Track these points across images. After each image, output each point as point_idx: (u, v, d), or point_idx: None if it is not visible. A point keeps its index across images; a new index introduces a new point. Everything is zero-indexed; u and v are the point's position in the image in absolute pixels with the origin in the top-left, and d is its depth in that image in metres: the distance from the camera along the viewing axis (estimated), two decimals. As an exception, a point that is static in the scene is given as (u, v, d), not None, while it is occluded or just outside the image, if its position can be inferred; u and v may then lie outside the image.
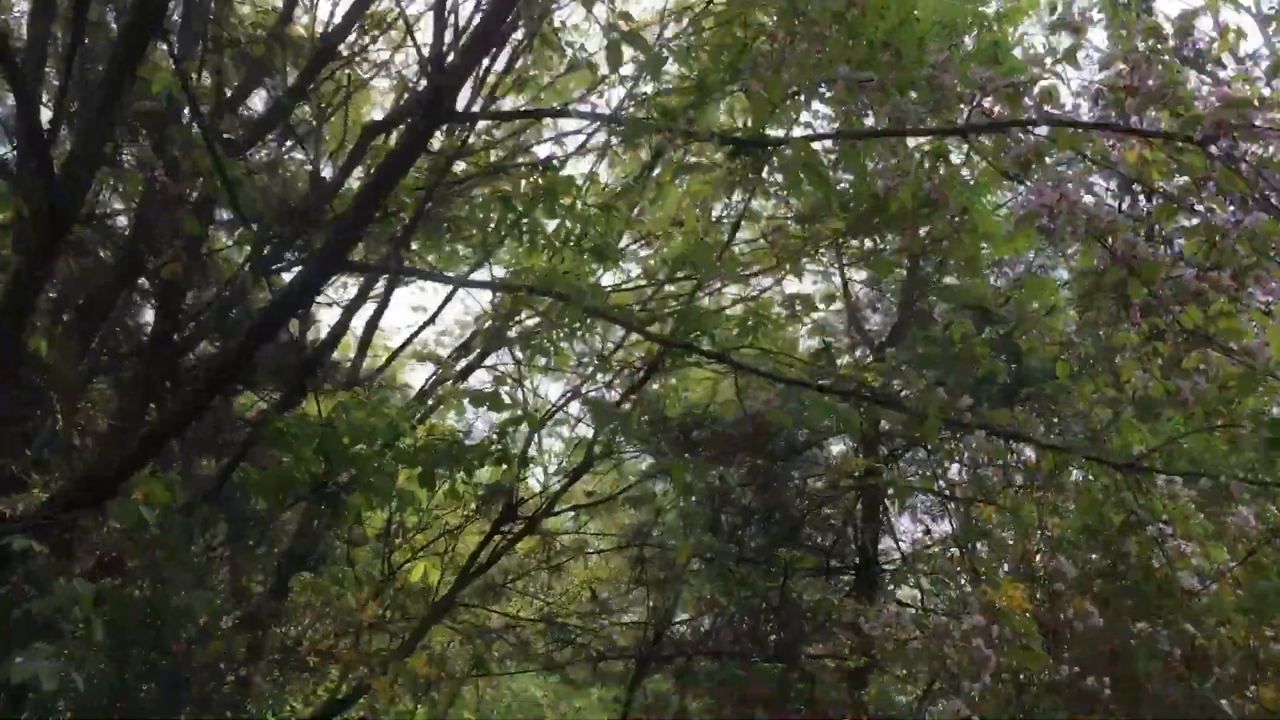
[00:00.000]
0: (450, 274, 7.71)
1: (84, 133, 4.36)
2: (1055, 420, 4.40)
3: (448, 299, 10.46)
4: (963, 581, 8.78)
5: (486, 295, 7.95)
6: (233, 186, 4.74)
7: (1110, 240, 3.11)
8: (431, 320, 10.56)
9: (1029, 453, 11.30)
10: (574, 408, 9.99)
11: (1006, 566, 5.84)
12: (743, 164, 7.02)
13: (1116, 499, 3.81)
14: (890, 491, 11.30)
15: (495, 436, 6.49)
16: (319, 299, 11.42)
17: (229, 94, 7.11)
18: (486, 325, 7.21)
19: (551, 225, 7.43)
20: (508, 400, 6.24)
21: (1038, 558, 4.53)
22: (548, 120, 12.54)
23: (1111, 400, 4.02)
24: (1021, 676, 4.77)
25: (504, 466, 6.76)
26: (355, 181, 7.96)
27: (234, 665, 5.16)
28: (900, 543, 11.61)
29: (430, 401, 9.89)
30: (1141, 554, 4.01)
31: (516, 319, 7.96)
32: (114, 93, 4.02)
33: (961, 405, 4.17)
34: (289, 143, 7.75)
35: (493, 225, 7.46)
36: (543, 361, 9.03)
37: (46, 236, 4.20)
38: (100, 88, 4.11)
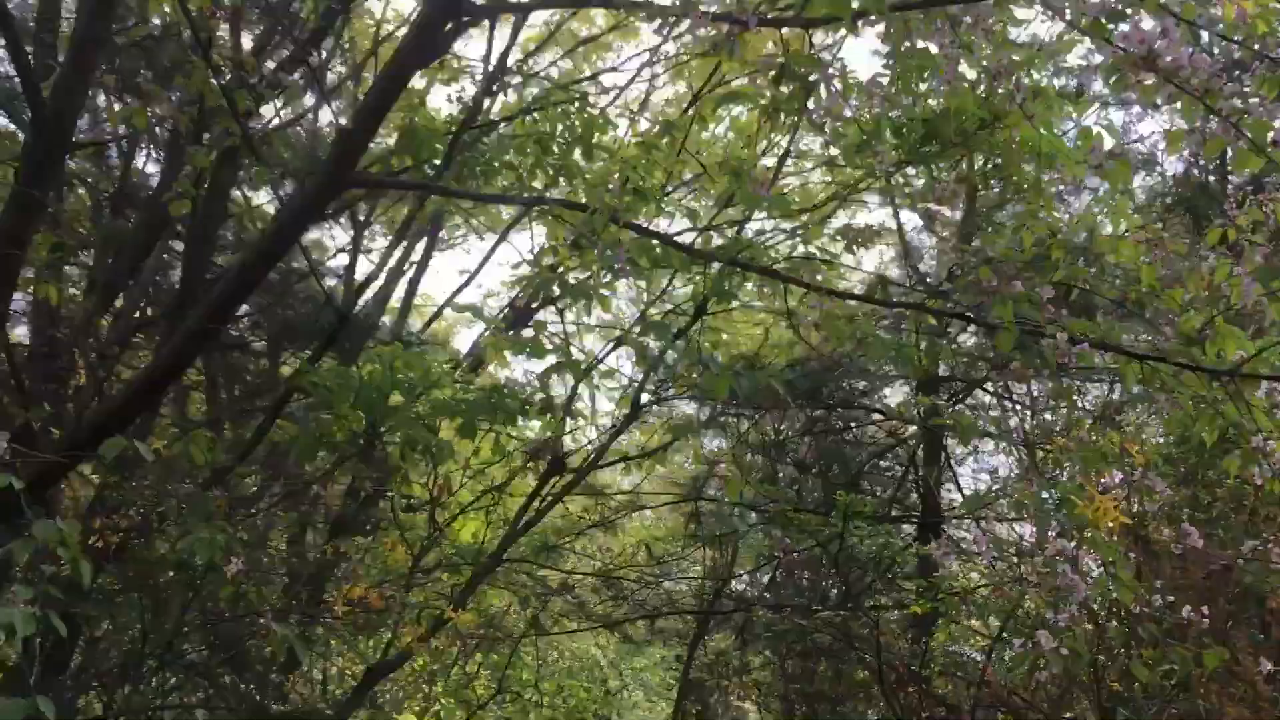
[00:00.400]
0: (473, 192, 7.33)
1: (72, 49, 4.15)
2: (1141, 332, 4.02)
3: (491, 252, 10.26)
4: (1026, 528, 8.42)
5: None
6: (247, 131, 4.51)
7: (1213, 101, 2.73)
8: (475, 274, 10.35)
9: (1095, 393, 10.86)
10: (624, 366, 9.73)
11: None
12: (789, 92, 6.66)
13: (1212, 412, 3.45)
14: (951, 436, 10.93)
15: (537, 384, 6.25)
16: (359, 259, 11.28)
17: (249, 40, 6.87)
18: (528, 274, 6.93)
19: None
20: (549, 345, 5.99)
21: (1120, 480, 4.18)
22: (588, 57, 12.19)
23: (1207, 301, 3.65)
24: (1111, 607, 4.42)
25: (549, 416, 6.55)
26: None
27: (253, 613, 4.98)
28: (963, 491, 11.25)
29: (473, 359, 9.69)
30: (1243, 470, 3.66)
31: (559, 268, 7.69)
32: (104, 6, 3.80)
33: (1042, 295, 3.81)
34: (313, 94, 7.50)
35: (528, 168, 7.19)
36: (586, 316, 8.76)
37: (39, 157, 4.01)
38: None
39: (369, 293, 10.59)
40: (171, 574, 5.03)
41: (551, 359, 6.22)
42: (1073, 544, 3.50)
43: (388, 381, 6.06)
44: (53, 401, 5.53)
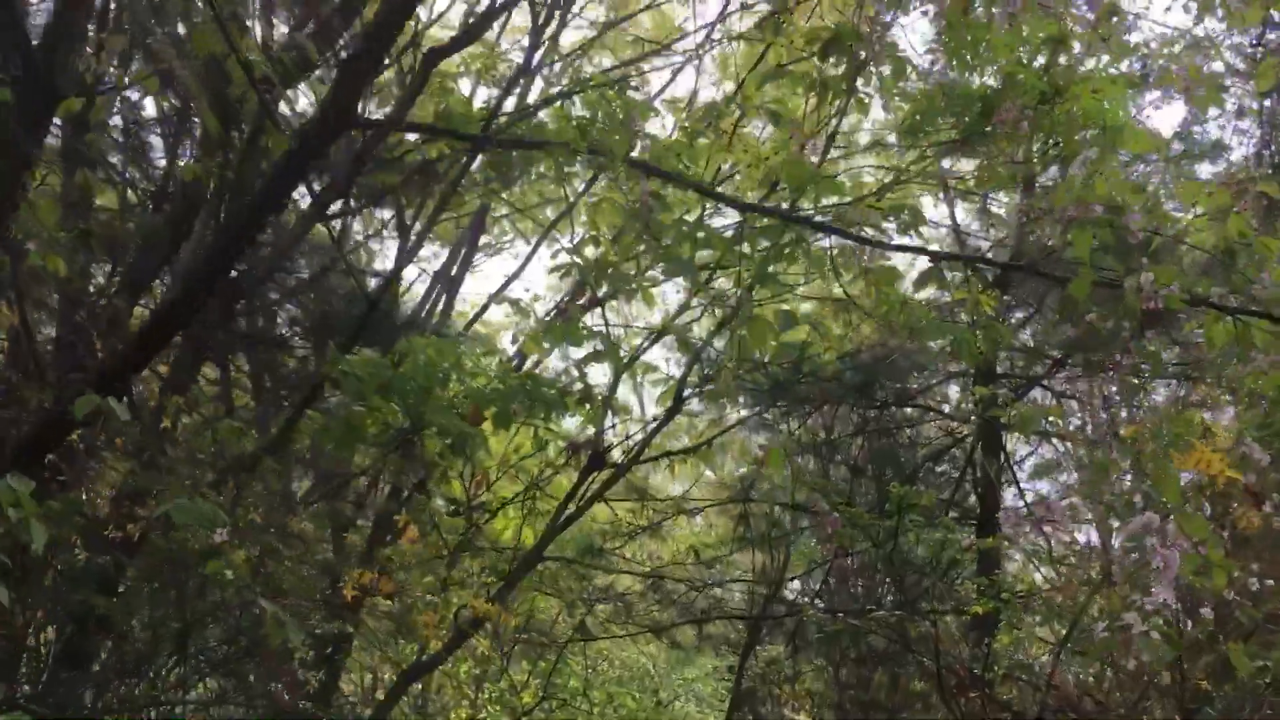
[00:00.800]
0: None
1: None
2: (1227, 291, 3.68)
3: (536, 247, 10.08)
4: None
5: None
6: (263, 97, 4.31)
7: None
8: (520, 271, 10.20)
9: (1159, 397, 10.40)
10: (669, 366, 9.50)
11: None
12: (836, 67, 6.38)
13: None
14: (1011, 434, 10.52)
15: (575, 372, 6.02)
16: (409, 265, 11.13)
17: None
18: (568, 262, 6.69)
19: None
20: (586, 332, 5.76)
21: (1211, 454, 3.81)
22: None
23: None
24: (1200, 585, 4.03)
25: (588, 407, 6.30)
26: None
27: (247, 592, 4.77)
28: (1023, 493, 10.82)
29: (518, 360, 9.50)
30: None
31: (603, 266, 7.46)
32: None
33: (1127, 221, 3.48)
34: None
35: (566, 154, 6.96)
36: (628, 305, 8.51)
37: (29, 108, 3.84)
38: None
39: (409, 292, 10.46)
40: (184, 563, 4.85)
41: (590, 346, 6.00)
42: (1159, 517, 3.17)
43: (421, 371, 5.86)
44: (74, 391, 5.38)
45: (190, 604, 5.03)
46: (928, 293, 7.13)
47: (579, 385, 6.13)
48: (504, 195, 12.56)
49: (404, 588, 5.99)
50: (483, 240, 14.48)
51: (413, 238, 8.42)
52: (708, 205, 8.72)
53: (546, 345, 6.55)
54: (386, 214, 8.70)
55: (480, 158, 6.96)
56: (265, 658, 5.30)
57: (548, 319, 10.17)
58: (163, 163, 8.28)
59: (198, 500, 3.77)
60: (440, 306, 11.03)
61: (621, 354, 6.76)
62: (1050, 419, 8.10)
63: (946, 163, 8.77)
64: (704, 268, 8.55)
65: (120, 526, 4.65)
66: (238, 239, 4.46)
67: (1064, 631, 5.77)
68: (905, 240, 7.77)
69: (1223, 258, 3.28)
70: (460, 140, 5.72)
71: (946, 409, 11.14)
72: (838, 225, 5.73)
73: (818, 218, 5.85)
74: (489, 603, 6.14)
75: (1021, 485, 10.87)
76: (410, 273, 10.97)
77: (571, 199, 8.77)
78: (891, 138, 7.58)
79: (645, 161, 4.84)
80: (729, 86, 11.76)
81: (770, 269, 5.61)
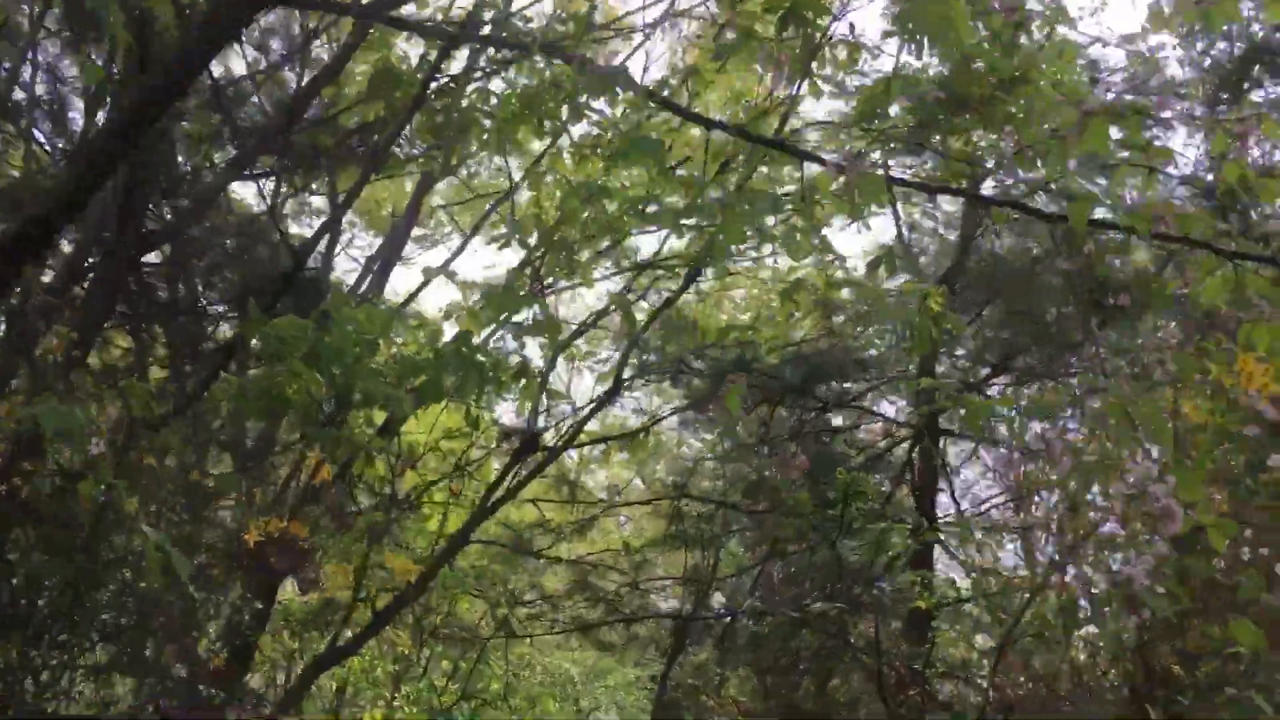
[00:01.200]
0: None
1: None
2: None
3: (478, 225, 9.77)
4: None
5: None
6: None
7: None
8: (462, 248, 9.86)
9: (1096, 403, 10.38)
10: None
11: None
12: (793, 41, 6.19)
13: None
14: (947, 441, 10.44)
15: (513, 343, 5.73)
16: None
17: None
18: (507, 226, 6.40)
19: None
20: (522, 295, 5.47)
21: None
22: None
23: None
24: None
25: (523, 382, 6.01)
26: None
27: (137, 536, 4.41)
28: (957, 500, 10.74)
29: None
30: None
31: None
32: None
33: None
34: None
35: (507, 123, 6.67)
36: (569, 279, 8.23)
37: None
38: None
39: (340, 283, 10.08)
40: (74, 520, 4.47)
41: (529, 315, 5.71)
42: (1157, 465, 2.98)
43: (350, 337, 5.52)
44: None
45: (77, 562, 4.64)
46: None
47: (515, 359, 5.84)
48: (439, 186, 12.23)
49: (317, 539, 5.62)
50: (419, 232, 14.10)
51: (343, 205, 8.03)
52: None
53: (485, 319, 6.26)
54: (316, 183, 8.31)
55: (416, 119, 6.63)
56: (163, 626, 4.92)
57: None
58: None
59: (71, 408, 3.41)
60: (372, 290, 10.67)
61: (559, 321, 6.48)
62: (998, 412, 7.97)
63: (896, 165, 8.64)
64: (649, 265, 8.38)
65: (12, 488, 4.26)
66: (144, 118, 4.09)
67: (1008, 627, 5.59)
68: (852, 229, 7.60)
69: (1222, 200, 3.13)
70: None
71: (889, 412, 11.03)
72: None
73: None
74: (410, 585, 5.81)
75: (956, 494, 10.80)
76: (342, 264, 10.60)
77: (514, 175, 8.48)
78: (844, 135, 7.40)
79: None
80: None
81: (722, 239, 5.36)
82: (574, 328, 7.45)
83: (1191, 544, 3.49)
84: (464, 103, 6.47)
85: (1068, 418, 8.18)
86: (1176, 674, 4.18)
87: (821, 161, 4.29)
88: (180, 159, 7.83)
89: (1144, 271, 5.24)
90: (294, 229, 9.78)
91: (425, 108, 6.31)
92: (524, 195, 8.67)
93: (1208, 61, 8.09)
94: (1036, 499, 9.54)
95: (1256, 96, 8.29)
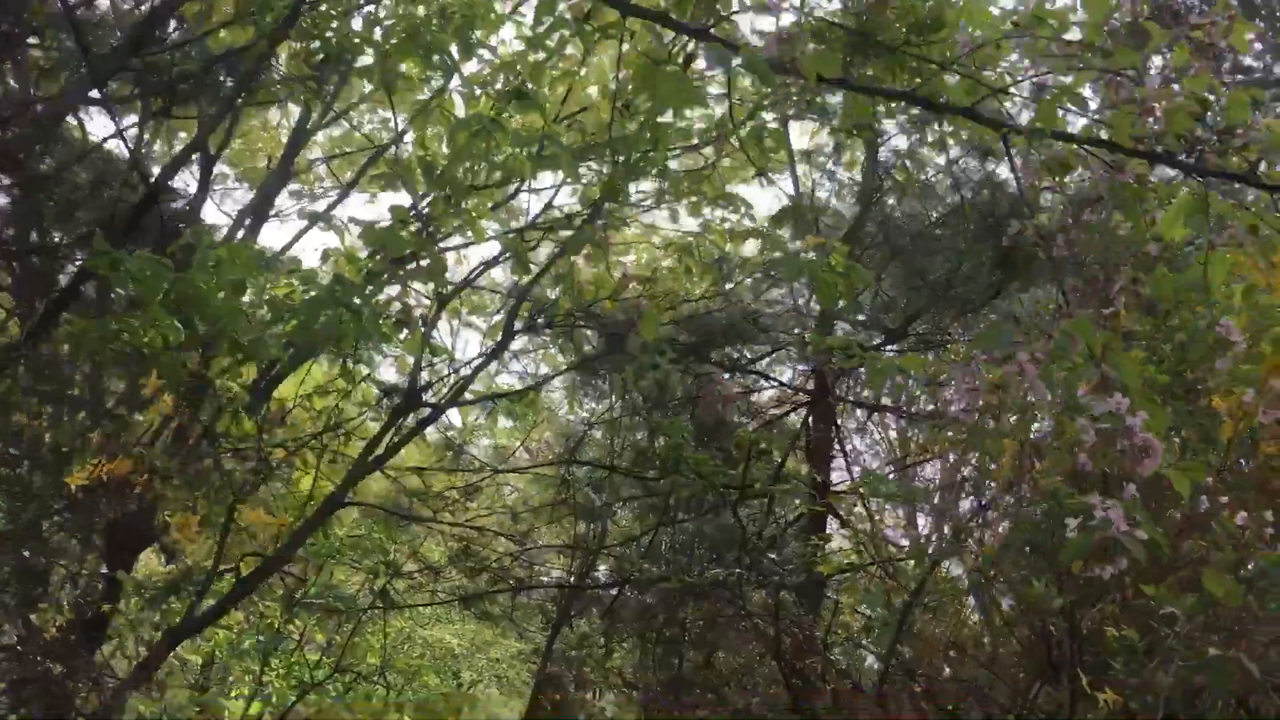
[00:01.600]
0: None
1: None
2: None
3: (357, 177, 9.22)
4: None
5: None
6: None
7: None
8: (344, 195, 9.26)
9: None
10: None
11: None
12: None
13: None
14: (841, 410, 10.34)
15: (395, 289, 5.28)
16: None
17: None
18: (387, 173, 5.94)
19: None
20: (407, 237, 5.04)
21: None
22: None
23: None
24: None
25: (405, 334, 5.58)
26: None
27: None
28: (850, 467, 10.66)
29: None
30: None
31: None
32: None
33: None
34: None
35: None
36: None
37: None
38: None
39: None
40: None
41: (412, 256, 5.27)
42: (1125, 399, 2.76)
43: (220, 272, 4.98)
44: None
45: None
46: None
47: (397, 306, 5.39)
48: (317, 138, 11.53)
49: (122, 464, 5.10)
50: (295, 187, 13.33)
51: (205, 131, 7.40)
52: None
53: (365, 264, 5.78)
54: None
55: (289, 47, 6.11)
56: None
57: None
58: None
59: None
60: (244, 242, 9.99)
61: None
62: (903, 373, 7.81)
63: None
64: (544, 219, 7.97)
65: None
66: None
67: (914, 590, 5.41)
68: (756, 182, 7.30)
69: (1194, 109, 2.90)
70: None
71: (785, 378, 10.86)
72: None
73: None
74: (278, 550, 5.34)
75: (849, 460, 10.73)
76: (213, 217, 9.92)
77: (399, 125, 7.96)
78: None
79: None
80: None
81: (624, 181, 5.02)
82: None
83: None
84: (339, 28, 5.97)
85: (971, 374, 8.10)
86: (1108, 635, 4.03)
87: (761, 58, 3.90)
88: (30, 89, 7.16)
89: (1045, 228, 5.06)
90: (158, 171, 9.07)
91: (300, 32, 5.79)
92: (410, 144, 8.17)
93: None
94: (948, 460, 9.48)
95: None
